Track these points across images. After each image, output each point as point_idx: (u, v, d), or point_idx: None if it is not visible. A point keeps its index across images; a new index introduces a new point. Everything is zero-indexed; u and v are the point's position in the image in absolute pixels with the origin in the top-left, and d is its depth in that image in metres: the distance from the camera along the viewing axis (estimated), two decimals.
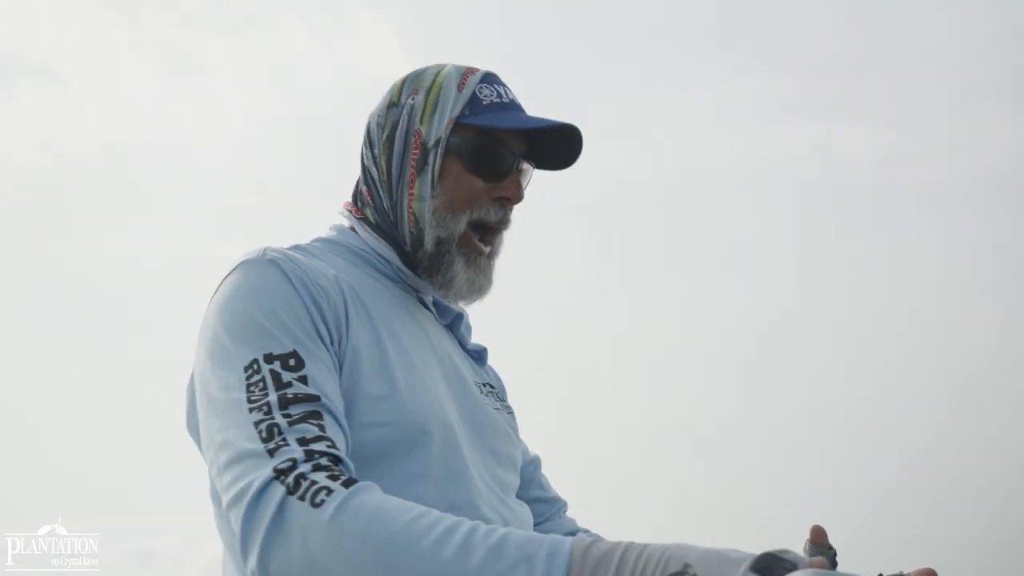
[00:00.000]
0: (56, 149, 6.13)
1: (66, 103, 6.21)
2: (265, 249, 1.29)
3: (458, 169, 1.39)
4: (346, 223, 1.48)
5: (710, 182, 5.98)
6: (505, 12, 5.98)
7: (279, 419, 1.09)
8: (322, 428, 1.10)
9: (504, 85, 1.45)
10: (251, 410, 1.10)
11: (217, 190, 6.15)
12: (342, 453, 1.10)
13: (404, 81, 1.45)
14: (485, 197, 1.40)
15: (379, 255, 1.42)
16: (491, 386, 1.53)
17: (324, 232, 1.48)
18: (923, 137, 5.93)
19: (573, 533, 1.61)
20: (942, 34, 5.85)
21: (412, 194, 1.40)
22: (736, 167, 6.01)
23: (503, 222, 1.43)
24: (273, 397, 1.11)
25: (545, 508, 1.63)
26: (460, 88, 1.41)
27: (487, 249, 1.42)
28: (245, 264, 1.27)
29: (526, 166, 1.46)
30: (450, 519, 1.03)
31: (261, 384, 1.13)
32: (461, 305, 1.49)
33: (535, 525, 1.56)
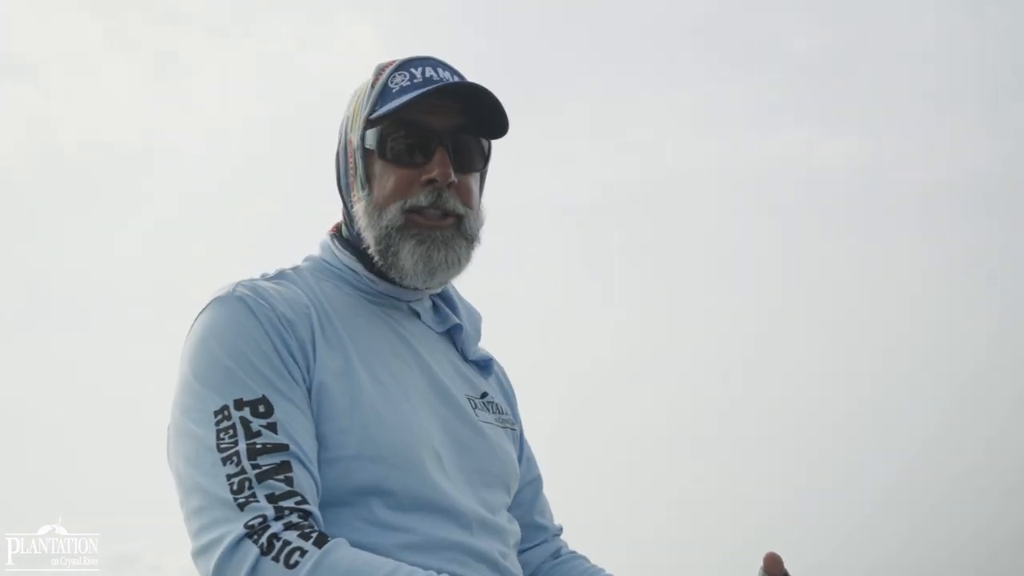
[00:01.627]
0: (33, 148, 6.13)
1: (44, 102, 6.20)
2: (236, 285, 1.29)
3: (380, 164, 1.36)
4: (325, 245, 1.47)
5: (694, 184, 5.99)
6: (485, 13, 5.99)
7: (249, 471, 1.11)
8: (290, 481, 1.12)
9: (428, 64, 1.39)
10: (223, 460, 1.12)
11: (196, 189, 6.13)
12: (311, 506, 1.12)
13: (350, 97, 1.45)
14: (415, 184, 1.34)
15: (350, 269, 1.41)
16: (489, 397, 1.49)
17: (314, 250, 1.48)
18: (904, 142, 5.96)
19: (557, 555, 1.61)
20: (922, 41, 5.88)
21: (355, 199, 1.39)
22: (719, 170, 6.03)
23: (439, 204, 1.34)
24: (243, 446, 1.13)
25: (538, 534, 1.61)
26: (373, 85, 1.39)
27: (442, 223, 1.35)
28: (215, 303, 1.27)
29: (471, 140, 1.38)
30: (420, 574, 1.07)
31: (231, 431, 1.14)
32: (434, 286, 1.42)
33: (525, 550, 1.56)
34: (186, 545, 1.17)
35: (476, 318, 1.56)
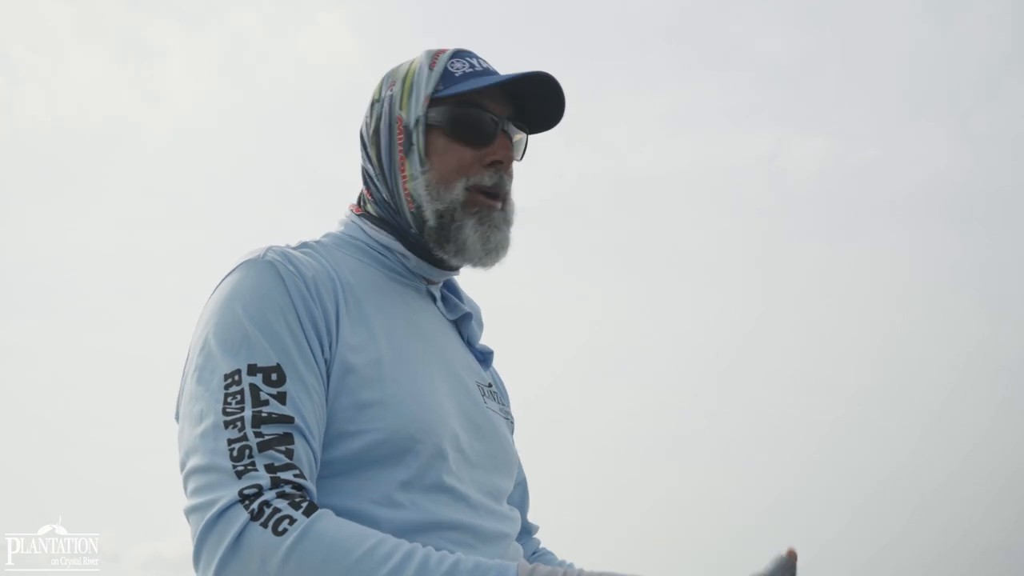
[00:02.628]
0: None
1: (10, 86, 6.19)
2: (267, 249, 1.29)
3: (443, 141, 1.40)
4: (350, 223, 1.49)
5: (667, 183, 6.03)
6: (457, 9, 6.02)
7: (251, 439, 1.12)
8: (291, 454, 1.13)
9: (477, 57, 1.46)
10: (226, 424, 1.13)
11: (163, 175, 6.09)
12: (307, 481, 1.14)
13: (382, 80, 1.49)
14: (477, 164, 1.39)
15: (382, 245, 1.43)
16: (492, 388, 1.52)
17: (332, 227, 1.49)
18: (871, 146, 6.02)
19: (534, 553, 1.65)
20: (891, 47, 5.94)
21: (404, 176, 1.41)
22: (691, 169, 6.07)
23: (499, 186, 1.40)
24: (248, 413, 1.13)
25: (522, 536, 1.63)
26: (431, 67, 1.43)
27: (498, 204, 1.40)
28: (245, 265, 1.28)
29: (516, 131, 1.45)
30: (405, 547, 1.09)
31: (239, 396, 1.15)
32: (486, 265, 1.44)
33: None
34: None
35: (477, 310, 1.60)
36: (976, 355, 5.54)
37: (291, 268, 1.26)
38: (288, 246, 1.36)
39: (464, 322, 1.53)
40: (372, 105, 1.48)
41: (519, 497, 1.64)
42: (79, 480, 4.96)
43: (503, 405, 1.53)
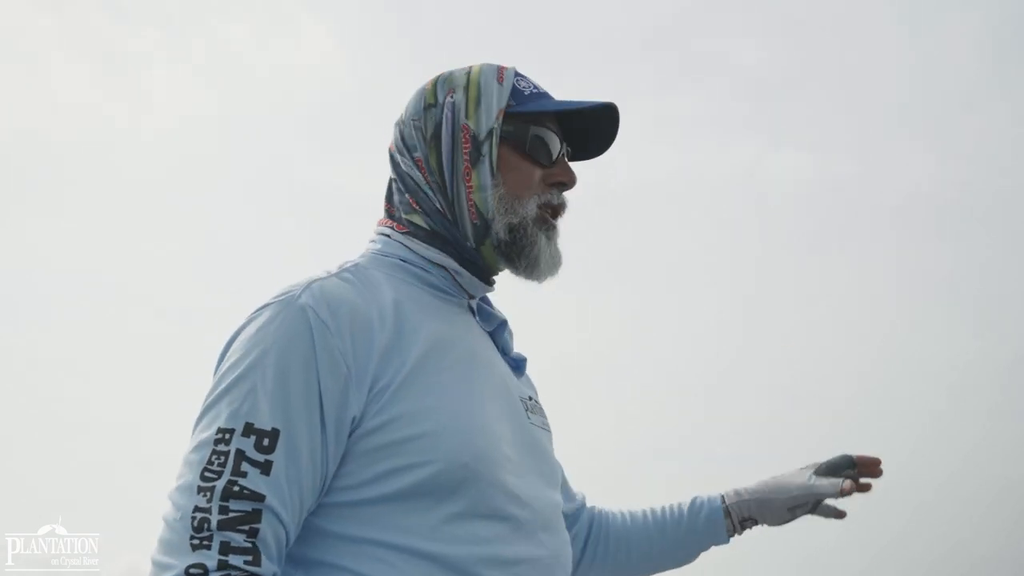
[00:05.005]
0: None
1: None
2: (305, 288, 1.25)
3: (515, 157, 1.40)
4: (389, 239, 1.44)
5: (647, 195, 6.03)
6: (439, 21, 6.01)
7: (214, 513, 1.11)
8: (254, 533, 1.12)
9: (527, 78, 1.50)
10: (199, 489, 1.13)
11: (143, 183, 6.04)
12: (259, 568, 1.12)
13: (435, 84, 1.45)
14: (543, 184, 1.42)
15: (432, 263, 1.39)
16: (534, 400, 1.51)
17: (367, 246, 1.45)
18: (846, 161, 6.04)
19: (594, 513, 1.75)
20: (866, 63, 5.95)
21: (470, 186, 1.39)
22: (671, 181, 6.08)
23: (562, 206, 1.44)
24: (222, 483, 1.12)
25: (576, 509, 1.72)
26: (499, 81, 1.44)
27: (557, 223, 1.44)
28: (277, 304, 1.23)
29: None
30: None
31: (223, 459, 1.14)
32: (544, 281, 1.45)
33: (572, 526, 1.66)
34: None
35: (505, 318, 1.59)
36: (961, 367, 5.54)
37: (324, 315, 1.20)
38: (329, 272, 1.31)
39: (499, 331, 1.50)
40: (427, 109, 1.43)
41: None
42: (79, 480, 4.97)
43: (544, 417, 1.52)
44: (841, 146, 6.00)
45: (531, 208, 1.39)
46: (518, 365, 1.52)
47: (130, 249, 5.94)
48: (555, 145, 1.44)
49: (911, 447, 5.21)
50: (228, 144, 6.04)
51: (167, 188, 5.97)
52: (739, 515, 1.76)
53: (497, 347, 1.49)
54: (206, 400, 1.21)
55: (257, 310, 1.27)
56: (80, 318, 5.85)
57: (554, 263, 1.43)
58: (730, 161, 6.07)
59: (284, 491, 1.15)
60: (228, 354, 1.23)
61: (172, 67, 6.08)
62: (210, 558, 1.09)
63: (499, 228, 1.38)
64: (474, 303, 1.46)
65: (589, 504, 1.75)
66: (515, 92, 1.44)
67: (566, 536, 1.41)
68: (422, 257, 1.40)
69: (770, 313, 5.73)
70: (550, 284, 1.47)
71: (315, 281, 1.27)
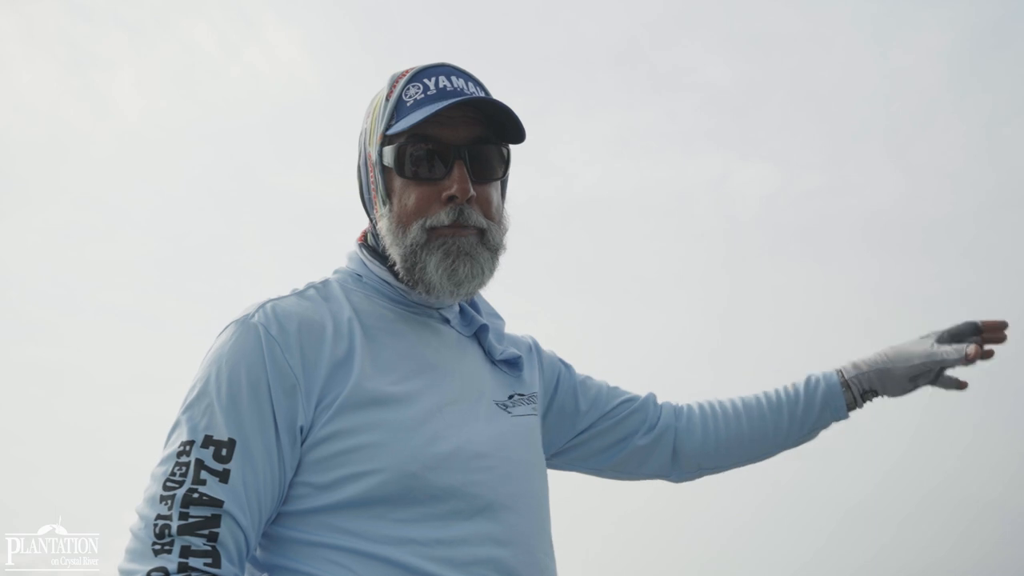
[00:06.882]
0: None
1: None
2: (259, 308, 1.29)
3: (399, 180, 1.35)
4: (356, 253, 1.46)
5: (613, 206, 6.04)
6: (411, 29, 5.98)
7: (174, 520, 1.14)
8: (214, 537, 1.15)
9: (442, 73, 1.38)
10: (161, 498, 1.16)
11: (107, 186, 5.94)
12: (219, 570, 1.15)
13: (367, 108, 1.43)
14: (436, 202, 1.33)
15: (381, 279, 1.41)
16: (515, 396, 1.48)
17: (342, 261, 1.48)
18: (813, 174, 6.08)
19: (680, 410, 1.77)
20: (830, 78, 5.99)
21: (378, 215, 1.39)
22: (638, 193, 6.10)
23: (460, 222, 1.33)
24: (182, 492, 1.15)
25: (634, 404, 1.72)
26: (388, 98, 1.37)
27: (467, 231, 1.34)
28: (234, 325, 1.28)
29: (481, 152, 1.36)
30: None
31: (184, 469, 1.17)
32: (461, 298, 1.42)
33: (649, 428, 1.70)
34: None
35: (498, 320, 1.58)
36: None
37: (274, 331, 1.26)
38: (295, 290, 1.36)
39: (483, 334, 1.49)
40: (359, 138, 1.44)
41: (603, 391, 1.71)
42: (79, 480, 4.99)
43: (530, 404, 1.49)
44: (808, 160, 6.05)
45: (415, 234, 1.34)
46: (513, 363, 1.51)
47: (98, 250, 5.93)
48: (434, 157, 1.33)
49: (889, 464, 5.24)
50: (192, 149, 6.04)
51: (128, 191, 5.97)
52: (859, 387, 1.72)
53: (483, 349, 1.49)
54: (177, 412, 1.25)
55: (221, 331, 1.31)
56: (80, 319, 5.87)
57: (456, 279, 1.34)
58: (697, 174, 6.11)
59: (242, 497, 1.19)
60: (197, 373, 1.28)
61: (137, 70, 6.07)
62: (171, 561, 1.13)
63: (395, 257, 1.37)
64: (449, 312, 1.46)
65: (660, 404, 1.75)
66: (399, 106, 1.36)
67: (543, 527, 1.40)
68: (375, 275, 1.42)
69: (738, 326, 5.75)
70: (495, 291, 1.43)
71: (269, 301, 1.32)
